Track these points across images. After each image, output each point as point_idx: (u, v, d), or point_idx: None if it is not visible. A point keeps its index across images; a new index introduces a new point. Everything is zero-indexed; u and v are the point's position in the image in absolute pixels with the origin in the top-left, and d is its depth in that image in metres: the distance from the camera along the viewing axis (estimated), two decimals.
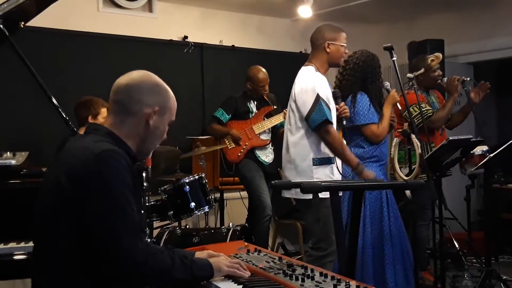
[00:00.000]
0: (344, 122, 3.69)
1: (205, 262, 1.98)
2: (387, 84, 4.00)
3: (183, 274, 1.87)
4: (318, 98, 3.44)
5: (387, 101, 3.95)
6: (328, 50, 3.60)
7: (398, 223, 3.96)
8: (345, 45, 3.66)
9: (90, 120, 4.30)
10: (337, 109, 3.65)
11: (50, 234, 1.85)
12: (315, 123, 3.44)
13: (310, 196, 3.42)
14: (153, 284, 1.87)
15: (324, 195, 3.37)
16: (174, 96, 2.09)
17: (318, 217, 3.49)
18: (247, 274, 1.99)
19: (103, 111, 4.35)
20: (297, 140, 3.57)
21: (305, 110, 3.48)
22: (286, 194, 3.68)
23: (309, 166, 3.50)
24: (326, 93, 3.53)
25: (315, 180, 3.44)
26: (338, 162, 3.59)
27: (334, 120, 3.57)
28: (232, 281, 1.93)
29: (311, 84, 3.50)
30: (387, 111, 3.93)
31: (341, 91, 3.89)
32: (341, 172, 3.58)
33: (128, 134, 1.99)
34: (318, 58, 3.65)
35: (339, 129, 3.67)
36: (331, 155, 3.55)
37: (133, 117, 1.98)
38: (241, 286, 1.89)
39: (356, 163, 3.56)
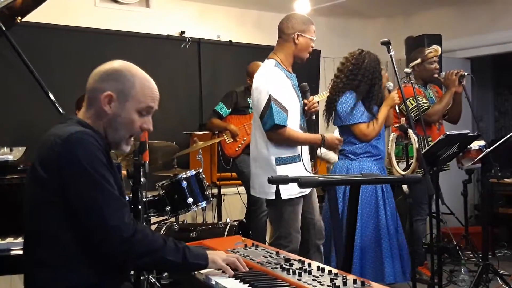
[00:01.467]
0: (313, 117, 3.59)
1: (201, 252, 2.00)
2: (389, 84, 3.97)
3: (175, 257, 1.89)
4: (269, 100, 3.32)
5: (385, 102, 3.93)
6: (296, 41, 3.45)
7: (395, 217, 3.97)
8: (314, 38, 3.51)
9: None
10: (305, 104, 3.52)
11: (39, 224, 1.86)
12: (266, 126, 3.37)
13: (272, 196, 3.39)
14: (144, 262, 1.89)
15: (288, 197, 3.38)
16: (147, 83, 2.01)
17: (281, 215, 3.45)
18: (244, 269, 1.99)
19: None
20: (258, 138, 3.50)
21: (259, 110, 3.40)
22: (252, 192, 3.62)
23: (272, 165, 3.42)
24: (281, 91, 3.37)
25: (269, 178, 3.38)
26: (305, 159, 3.50)
27: (295, 114, 3.45)
28: (242, 282, 1.91)
29: (264, 83, 3.39)
30: (383, 112, 3.91)
31: (344, 88, 3.89)
32: (307, 169, 3.50)
33: (93, 123, 1.97)
34: (284, 49, 3.50)
35: (304, 122, 3.56)
36: (294, 153, 3.46)
37: (94, 105, 1.97)
38: (238, 280, 1.90)
39: (319, 137, 3.46)
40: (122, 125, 1.98)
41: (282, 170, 3.38)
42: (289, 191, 3.38)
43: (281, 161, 3.42)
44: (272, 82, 3.38)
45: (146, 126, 2.02)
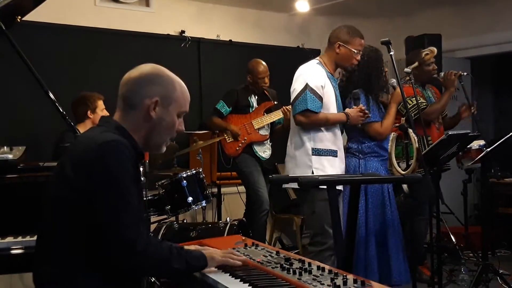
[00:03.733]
0: (359, 125, 3.74)
1: (199, 253, 2.01)
2: (393, 81, 3.99)
3: (180, 264, 1.89)
4: (305, 88, 3.47)
5: (392, 99, 3.96)
6: (337, 50, 3.63)
7: (396, 216, 3.97)
8: (356, 50, 3.65)
9: (89, 115, 4.32)
10: (361, 110, 3.67)
11: (54, 222, 1.86)
12: (296, 111, 3.51)
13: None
14: (153, 274, 1.89)
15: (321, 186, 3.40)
16: (184, 87, 2.08)
17: (313, 210, 3.49)
18: (239, 263, 2.01)
19: (100, 104, 4.37)
20: (295, 131, 3.61)
21: (293, 97, 3.55)
22: (285, 184, 3.68)
23: (307, 156, 3.50)
24: (320, 83, 3.53)
25: (313, 171, 3.45)
26: (340, 155, 3.58)
27: (331, 111, 3.58)
28: (229, 275, 1.93)
29: (303, 73, 3.56)
30: (392, 109, 3.95)
31: (347, 86, 3.93)
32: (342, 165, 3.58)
33: (133, 128, 1.98)
34: (327, 55, 3.70)
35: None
36: (332, 147, 3.55)
37: (135, 110, 1.97)
38: (238, 279, 1.90)
39: (344, 115, 3.60)
40: (165, 129, 2.02)
41: (318, 161, 3.50)
42: None
43: (318, 152, 3.53)
44: (311, 73, 3.55)
45: (181, 127, 2.08)
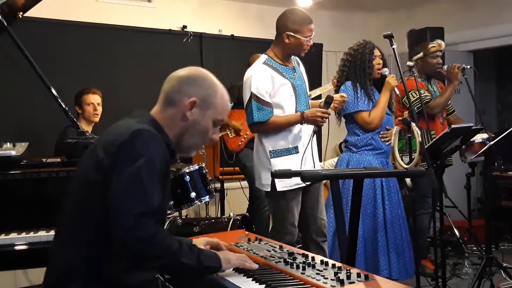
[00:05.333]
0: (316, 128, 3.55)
1: (212, 253, 1.96)
2: (385, 70, 3.99)
3: (190, 260, 1.84)
4: (250, 97, 3.39)
5: (384, 88, 3.95)
6: (287, 41, 3.45)
7: (396, 211, 3.96)
8: (307, 38, 3.44)
9: (78, 110, 4.44)
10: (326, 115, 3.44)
11: (81, 207, 1.87)
12: (248, 122, 3.49)
13: (268, 189, 3.44)
14: (160, 266, 1.85)
15: (283, 188, 3.39)
16: (226, 96, 2.07)
17: (273, 208, 3.51)
18: (255, 266, 1.95)
19: (86, 98, 4.45)
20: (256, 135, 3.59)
21: (245, 106, 3.48)
22: (256, 184, 3.65)
23: (267, 159, 3.46)
24: (266, 87, 3.39)
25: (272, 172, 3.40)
26: (308, 151, 3.46)
27: (289, 104, 3.45)
28: (244, 275, 1.90)
29: (248, 79, 3.44)
30: (383, 98, 3.93)
31: (341, 79, 3.98)
32: (306, 162, 3.47)
33: (168, 124, 1.98)
34: (277, 46, 3.53)
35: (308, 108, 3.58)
36: (290, 145, 3.46)
37: (173, 107, 1.98)
38: (242, 274, 1.89)
39: (299, 115, 3.40)
40: (199, 132, 2.02)
41: (277, 163, 3.42)
42: (284, 183, 3.39)
43: (275, 154, 3.46)
44: (255, 79, 3.40)
45: (215, 136, 2.07)
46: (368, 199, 3.90)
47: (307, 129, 3.50)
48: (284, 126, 3.44)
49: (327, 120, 3.45)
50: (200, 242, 2.13)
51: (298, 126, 3.48)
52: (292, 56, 3.60)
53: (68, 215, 1.92)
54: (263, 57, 3.52)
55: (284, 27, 3.46)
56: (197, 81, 2.01)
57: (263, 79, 3.40)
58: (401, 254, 3.92)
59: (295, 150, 3.47)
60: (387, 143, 3.95)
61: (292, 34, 3.42)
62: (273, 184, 3.40)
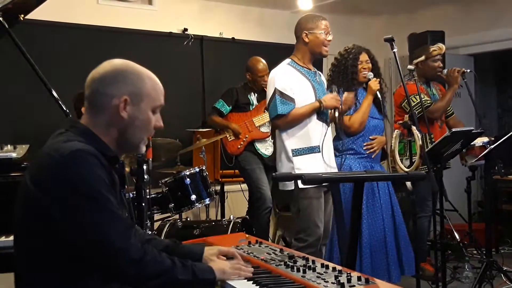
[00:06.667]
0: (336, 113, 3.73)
1: (205, 266, 1.92)
2: (370, 74, 4.03)
3: (185, 275, 1.79)
4: (274, 92, 3.53)
5: (367, 92, 4.00)
6: (306, 40, 3.63)
7: (389, 217, 3.98)
8: (323, 32, 3.62)
9: (83, 111, 4.36)
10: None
11: (25, 232, 1.78)
12: (271, 116, 3.60)
13: (292, 187, 3.50)
14: (155, 285, 1.75)
15: (303, 186, 3.43)
16: (155, 80, 1.90)
17: (297, 208, 3.53)
18: (249, 272, 1.93)
19: None
20: (277, 134, 3.67)
21: (267, 103, 3.63)
22: (280, 186, 3.72)
23: (289, 158, 3.54)
24: (289, 84, 3.54)
25: (295, 171, 3.47)
26: (325, 151, 3.58)
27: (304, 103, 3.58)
28: (244, 278, 1.89)
29: (272, 77, 3.60)
30: (365, 102, 4.01)
31: (328, 83, 4.01)
32: (326, 162, 3.57)
33: (103, 131, 1.84)
34: (299, 50, 3.69)
35: (327, 117, 3.70)
36: (312, 144, 3.56)
37: (103, 112, 1.84)
38: (254, 284, 1.85)
39: (317, 102, 3.58)
40: (140, 127, 1.87)
41: (300, 161, 3.51)
42: None
43: (297, 152, 3.54)
44: (279, 76, 3.57)
45: (159, 124, 1.91)
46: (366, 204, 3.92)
47: (324, 128, 3.64)
48: (305, 116, 3.56)
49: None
50: (214, 251, 2.06)
51: (318, 126, 3.59)
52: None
53: (14, 234, 1.84)
54: (286, 60, 3.69)
55: (301, 29, 3.66)
56: (119, 77, 1.84)
57: (287, 76, 3.58)
58: (399, 258, 3.93)
59: (317, 148, 3.57)
60: (369, 153, 3.98)
61: (309, 31, 3.62)
62: (296, 183, 3.48)
